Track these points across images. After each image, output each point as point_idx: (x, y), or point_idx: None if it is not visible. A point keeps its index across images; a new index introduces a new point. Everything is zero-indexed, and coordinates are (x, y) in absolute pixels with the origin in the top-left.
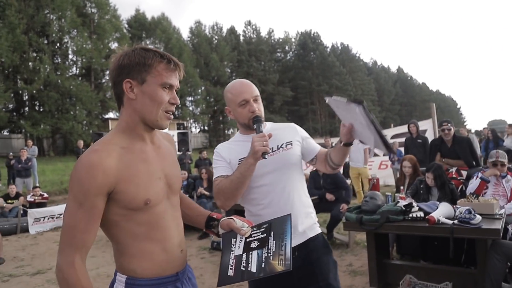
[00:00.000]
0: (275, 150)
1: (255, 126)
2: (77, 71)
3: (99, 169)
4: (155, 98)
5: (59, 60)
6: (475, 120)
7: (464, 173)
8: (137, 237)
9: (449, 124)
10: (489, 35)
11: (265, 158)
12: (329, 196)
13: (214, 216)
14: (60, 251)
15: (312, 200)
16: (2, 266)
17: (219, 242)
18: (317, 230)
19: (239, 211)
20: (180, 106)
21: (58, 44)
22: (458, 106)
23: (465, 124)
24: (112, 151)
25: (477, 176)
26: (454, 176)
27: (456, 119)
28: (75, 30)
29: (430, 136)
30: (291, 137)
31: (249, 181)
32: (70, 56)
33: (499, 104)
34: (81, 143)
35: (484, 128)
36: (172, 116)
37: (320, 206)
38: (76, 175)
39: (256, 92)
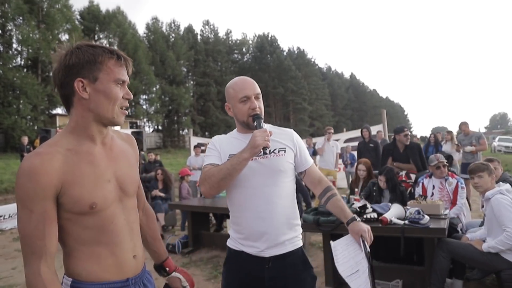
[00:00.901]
0: (266, 154)
1: (255, 123)
2: (22, 62)
3: (42, 172)
4: (110, 95)
5: (1, 49)
6: (420, 127)
7: (413, 176)
8: (84, 241)
9: (408, 130)
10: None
11: (266, 153)
12: None
13: (167, 269)
14: (25, 263)
15: None
16: None
17: (174, 244)
18: (298, 244)
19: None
20: (133, 104)
21: (0, 32)
22: (405, 113)
23: (411, 129)
24: (56, 153)
25: (422, 182)
26: (404, 179)
27: (404, 125)
28: (21, 18)
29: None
30: (286, 143)
31: (237, 175)
32: (15, 46)
33: (442, 112)
34: (25, 139)
35: (430, 134)
36: (127, 112)
37: None
38: (20, 182)
39: (258, 90)
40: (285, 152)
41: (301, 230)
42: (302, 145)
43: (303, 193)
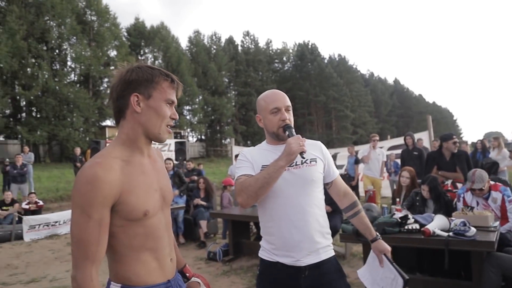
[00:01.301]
0: (298, 164)
1: (286, 132)
2: (76, 78)
3: (104, 181)
4: (160, 112)
5: (58, 67)
6: (472, 132)
7: (460, 185)
8: (133, 247)
9: (456, 138)
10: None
11: (303, 158)
12: (326, 208)
13: (187, 274)
14: (76, 266)
15: None
16: None
17: (215, 252)
18: (331, 252)
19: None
20: (173, 125)
21: (57, 51)
22: (454, 118)
23: (461, 136)
24: (114, 163)
25: (463, 197)
26: (449, 188)
27: (453, 131)
28: (75, 37)
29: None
30: (316, 154)
31: (274, 183)
32: (69, 63)
33: (496, 116)
34: (78, 150)
35: (478, 141)
36: (171, 131)
37: None
38: (82, 189)
39: (288, 102)
40: (316, 162)
41: (331, 239)
42: (330, 157)
43: None
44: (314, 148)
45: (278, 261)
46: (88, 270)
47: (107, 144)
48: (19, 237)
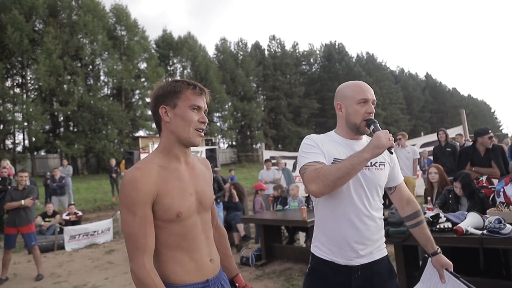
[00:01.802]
0: (368, 166)
1: (372, 127)
2: (109, 92)
3: (142, 182)
4: (186, 118)
5: (92, 82)
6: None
7: (496, 181)
8: (169, 245)
9: (491, 133)
10: None
11: (392, 153)
12: None
13: (237, 284)
14: (130, 258)
15: None
16: (41, 282)
17: (248, 257)
18: (384, 252)
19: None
20: (208, 122)
21: (90, 67)
22: (492, 110)
23: (501, 128)
24: (152, 168)
25: (502, 190)
26: (484, 184)
27: (491, 124)
28: (106, 52)
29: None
30: (385, 157)
31: (354, 175)
32: (102, 78)
33: None
34: (113, 161)
35: None
36: (203, 134)
37: None
38: (125, 191)
39: (374, 97)
40: (384, 166)
41: (385, 238)
42: (396, 160)
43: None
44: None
45: (332, 260)
46: (140, 259)
47: (141, 155)
48: (61, 247)
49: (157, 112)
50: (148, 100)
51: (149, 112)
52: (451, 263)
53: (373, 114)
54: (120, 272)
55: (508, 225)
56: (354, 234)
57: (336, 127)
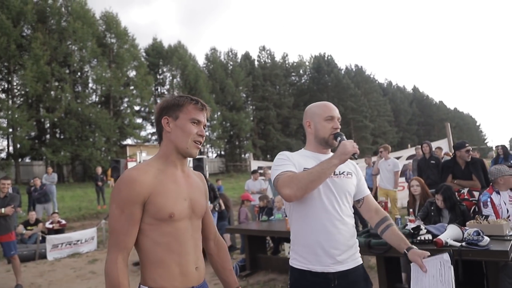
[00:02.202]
0: (337, 174)
1: (338, 139)
2: (97, 99)
3: (137, 181)
4: (185, 130)
5: (80, 89)
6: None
7: (477, 194)
8: (159, 245)
9: (469, 146)
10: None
11: (355, 158)
12: None
13: None
14: (108, 251)
15: None
16: None
17: (233, 267)
18: (359, 261)
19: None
20: (205, 136)
21: (79, 73)
22: (477, 124)
23: (486, 141)
24: (149, 170)
25: (489, 201)
26: (466, 197)
27: (476, 137)
28: (95, 60)
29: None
30: (351, 168)
31: (324, 179)
32: (90, 85)
33: None
34: (99, 169)
35: (496, 146)
36: (200, 146)
37: None
38: (119, 187)
39: (339, 115)
40: (351, 176)
41: (358, 246)
42: (361, 174)
43: (358, 214)
44: (349, 164)
45: (309, 270)
46: (114, 255)
47: (128, 163)
48: (43, 256)
49: (160, 122)
50: (136, 108)
51: (138, 120)
52: (428, 252)
53: (339, 129)
54: (103, 282)
55: (486, 237)
56: (328, 238)
57: (305, 144)
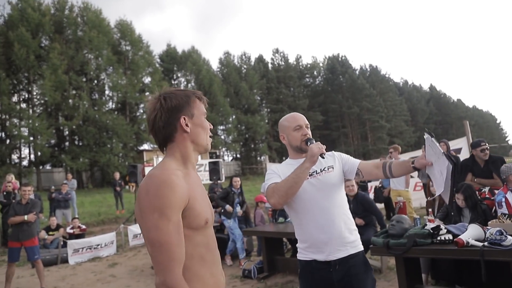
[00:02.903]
0: (318, 172)
1: (308, 143)
2: (113, 106)
3: (178, 184)
4: (204, 126)
5: (97, 96)
6: None
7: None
8: (194, 259)
9: (486, 144)
10: None
11: (323, 158)
12: (358, 221)
13: None
14: (163, 270)
15: None
16: None
17: (250, 270)
18: (359, 247)
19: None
20: (212, 135)
21: (95, 81)
22: (498, 122)
23: (507, 139)
24: (179, 173)
25: (503, 200)
26: (487, 196)
27: (496, 135)
28: (111, 67)
29: (466, 155)
30: (332, 162)
31: (301, 183)
32: (107, 92)
33: None
34: (117, 175)
35: None
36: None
37: None
38: (159, 192)
39: (307, 121)
40: (333, 169)
41: (358, 234)
42: (345, 156)
43: (376, 215)
44: (330, 158)
45: (313, 259)
46: (177, 271)
47: (145, 168)
48: (65, 260)
49: (173, 124)
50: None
51: None
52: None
53: (308, 134)
54: (123, 285)
55: (509, 237)
56: (323, 232)
57: (288, 155)
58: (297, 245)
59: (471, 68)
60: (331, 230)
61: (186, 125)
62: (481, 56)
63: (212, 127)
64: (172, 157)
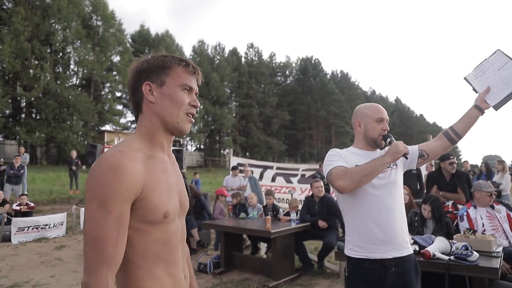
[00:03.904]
0: (386, 169)
1: (388, 140)
2: (77, 82)
3: (129, 171)
4: (176, 99)
5: (60, 70)
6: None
7: (461, 207)
8: (147, 257)
9: (454, 158)
10: None
11: (406, 158)
12: (321, 223)
13: None
14: (89, 270)
15: (304, 226)
16: None
17: (206, 264)
18: (411, 249)
19: None
20: (199, 106)
21: (60, 54)
22: None
23: (460, 157)
24: (137, 155)
25: (465, 215)
26: (450, 210)
27: (452, 151)
28: (79, 41)
29: (425, 167)
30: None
31: (377, 175)
32: (72, 66)
33: (495, 139)
34: (74, 153)
35: (481, 163)
36: (193, 120)
37: (312, 233)
38: (102, 178)
39: (388, 118)
40: (397, 166)
41: (409, 234)
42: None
43: (340, 219)
44: None
45: (366, 258)
46: (104, 275)
47: (105, 149)
48: (7, 238)
49: (139, 89)
50: (118, 94)
51: (118, 107)
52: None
53: (388, 130)
54: (69, 270)
55: (475, 253)
56: (382, 230)
57: (354, 143)
58: (346, 239)
59: (435, 86)
60: (391, 230)
61: (151, 93)
62: (444, 75)
63: (198, 104)
64: (138, 134)
